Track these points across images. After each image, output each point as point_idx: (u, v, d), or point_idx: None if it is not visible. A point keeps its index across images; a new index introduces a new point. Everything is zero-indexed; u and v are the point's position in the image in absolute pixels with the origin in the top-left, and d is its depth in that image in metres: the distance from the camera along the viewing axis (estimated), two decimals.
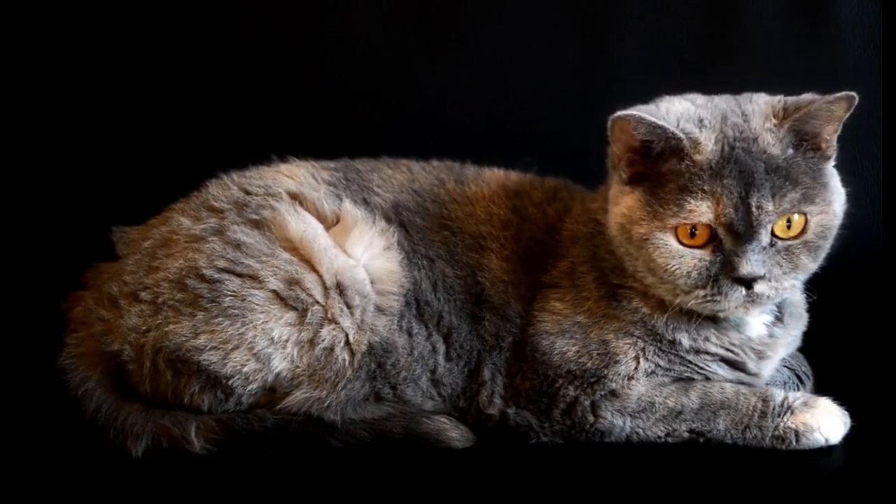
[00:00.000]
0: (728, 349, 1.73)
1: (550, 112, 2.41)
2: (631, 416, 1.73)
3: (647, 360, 1.72)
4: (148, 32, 2.40)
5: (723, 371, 1.74)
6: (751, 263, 1.60)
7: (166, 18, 2.41)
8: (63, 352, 1.80)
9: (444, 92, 2.44)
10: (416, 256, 1.81)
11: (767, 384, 1.78)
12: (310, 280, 1.72)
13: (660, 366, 1.73)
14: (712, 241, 1.62)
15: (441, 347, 1.78)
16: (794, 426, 1.68)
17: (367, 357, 1.75)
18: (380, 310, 1.76)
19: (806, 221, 1.62)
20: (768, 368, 1.78)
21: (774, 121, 1.63)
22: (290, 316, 1.71)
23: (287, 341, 1.71)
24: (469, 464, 1.71)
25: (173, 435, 1.72)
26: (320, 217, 1.80)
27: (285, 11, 2.43)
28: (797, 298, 1.78)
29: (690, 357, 1.73)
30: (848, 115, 1.62)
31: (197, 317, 1.71)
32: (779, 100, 1.67)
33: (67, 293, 1.87)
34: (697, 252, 1.63)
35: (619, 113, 1.61)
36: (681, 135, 1.61)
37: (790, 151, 1.63)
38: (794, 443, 1.68)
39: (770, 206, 1.59)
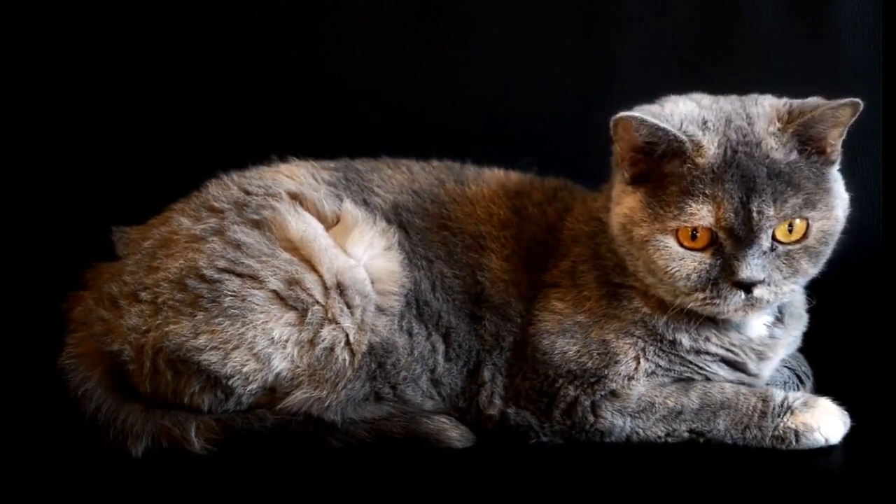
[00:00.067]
0: (728, 350, 1.73)
1: (550, 112, 2.41)
2: (631, 416, 1.73)
3: (647, 360, 1.72)
4: (148, 32, 2.40)
5: (723, 371, 1.74)
6: (750, 268, 1.60)
7: (166, 18, 2.41)
8: (63, 352, 1.80)
9: (444, 92, 2.44)
10: (416, 257, 1.81)
11: (767, 384, 1.79)
12: (310, 280, 1.72)
13: (660, 366, 1.73)
14: (713, 245, 1.62)
15: (440, 347, 1.78)
16: (793, 426, 1.68)
17: (368, 357, 1.75)
18: (380, 310, 1.76)
19: (807, 226, 1.62)
20: (768, 369, 1.78)
21: (779, 124, 1.63)
22: (291, 316, 1.71)
23: (287, 341, 1.71)
24: (469, 464, 1.71)
25: (173, 435, 1.72)
26: (320, 217, 1.80)
27: (285, 11, 2.43)
28: (798, 299, 1.78)
29: (691, 357, 1.73)
30: (853, 120, 1.62)
31: (197, 317, 1.71)
32: (784, 103, 1.67)
33: (67, 293, 1.87)
34: (698, 255, 1.63)
35: (622, 114, 1.61)
36: (683, 137, 1.61)
37: (793, 156, 1.62)
38: (794, 443, 1.68)
39: (771, 212, 1.59)
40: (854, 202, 1.69)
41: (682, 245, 1.63)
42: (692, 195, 1.60)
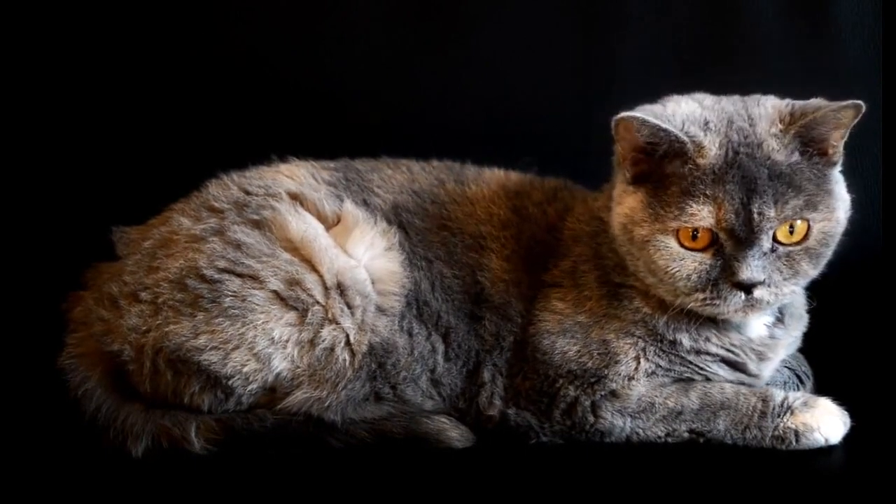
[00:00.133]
0: (729, 350, 1.73)
1: (550, 112, 2.41)
2: (631, 416, 1.73)
3: (647, 360, 1.72)
4: (148, 32, 2.40)
5: (723, 372, 1.74)
6: (751, 269, 1.60)
7: (166, 18, 2.41)
8: (63, 352, 1.80)
9: (444, 92, 2.44)
10: (416, 257, 1.81)
11: (767, 384, 1.79)
12: (310, 280, 1.72)
13: (660, 366, 1.73)
14: (713, 245, 1.62)
15: (440, 347, 1.78)
16: (793, 426, 1.68)
17: (368, 357, 1.75)
18: (381, 310, 1.76)
19: (808, 228, 1.62)
20: (769, 369, 1.78)
21: (780, 126, 1.63)
22: (291, 316, 1.71)
23: (287, 341, 1.71)
24: (469, 464, 1.71)
25: (173, 435, 1.72)
26: (321, 217, 1.80)
27: (285, 11, 2.43)
28: (798, 299, 1.78)
29: (691, 357, 1.73)
30: (855, 122, 1.62)
31: (197, 317, 1.71)
32: (786, 104, 1.67)
33: (67, 293, 1.87)
34: (698, 255, 1.63)
35: (624, 114, 1.61)
36: (685, 138, 1.61)
37: (795, 157, 1.62)
38: (794, 443, 1.68)
39: (772, 213, 1.59)
40: (854, 203, 1.69)
41: (682, 245, 1.63)
42: (693, 196, 1.60)
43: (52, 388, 1.79)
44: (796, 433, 1.68)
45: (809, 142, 1.63)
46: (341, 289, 1.73)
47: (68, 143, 2.41)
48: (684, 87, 1.76)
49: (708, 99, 1.71)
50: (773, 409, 1.70)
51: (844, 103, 1.60)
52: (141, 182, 2.32)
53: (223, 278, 1.71)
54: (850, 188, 1.69)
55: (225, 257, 1.72)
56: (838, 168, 1.67)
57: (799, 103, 1.66)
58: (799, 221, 1.61)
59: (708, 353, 1.73)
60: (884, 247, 2.31)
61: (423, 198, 1.86)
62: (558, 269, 1.79)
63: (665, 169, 1.64)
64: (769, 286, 1.62)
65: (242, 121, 2.40)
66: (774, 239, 1.61)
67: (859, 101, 1.59)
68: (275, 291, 1.71)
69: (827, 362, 1.91)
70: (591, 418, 1.73)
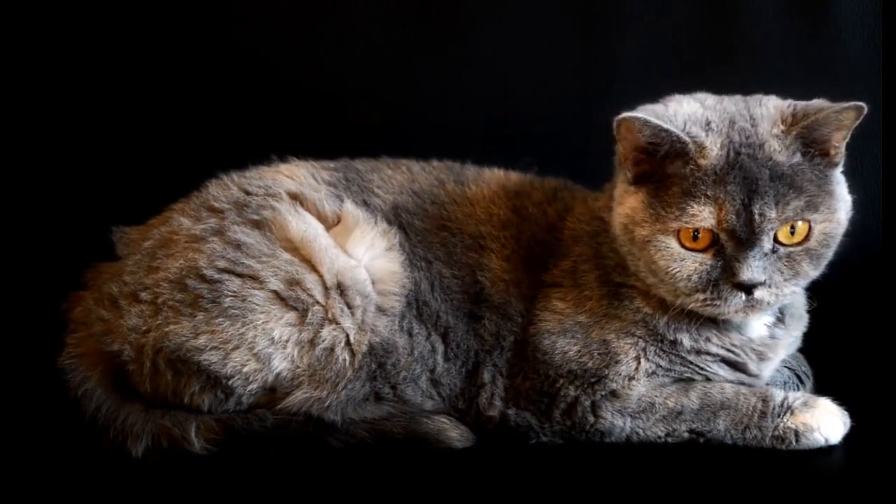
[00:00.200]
0: (729, 350, 1.73)
1: (550, 112, 2.41)
2: (631, 416, 1.73)
3: (647, 360, 1.72)
4: (148, 32, 2.40)
5: (723, 372, 1.74)
6: (751, 270, 1.60)
7: (166, 18, 2.41)
8: (63, 352, 1.80)
9: (444, 92, 2.44)
10: (415, 258, 1.81)
11: (767, 384, 1.79)
12: (310, 280, 1.72)
13: (661, 366, 1.73)
14: (714, 246, 1.62)
15: (440, 347, 1.78)
16: (793, 426, 1.68)
17: (368, 357, 1.75)
18: (381, 310, 1.76)
19: (809, 229, 1.62)
20: (769, 369, 1.78)
21: (782, 127, 1.63)
22: (291, 316, 1.71)
23: (287, 341, 1.71)
24: (469, 464, 1.71)
25: (173, 435, 1.72)
26: (321, 217, 1.80)
27: (285, 11, 2.43)
28: (798, 300, 1.78)
29: (691, 357, 1.73)
30: (857, 124, 1.62)
31: (197, 317, 1.70)
32: (788, 105, 1.66)
33: (67, 293, 1.87)
34: (699, 256, 1.63)
35: (625, 114, 1.61)
36: (686, 139, 1.61)
37: (797, 158, 1.62)
38: (794, 443, 1.68)
39: (773, 214, 1.59)
40: (854, 203, 1.69)
41: (683, 246, 1.63)
42: (694, 196, 1.60)
43: (52, 388, 1.79)
44: (796, 433, 1.68)
45: (811, 143, 1.63)
46: (341, 289, 1.73)
47: (68, 143, 2.41)
48: (684, 87, 1.76)
49: (710, 99, 1.71)
50: (773, 409, 1.70)
51: (846, 105, 1.60)
52: (141, 182, 2.32)
53: (223, 278, 1.71)
54: (851, 188, 1.69)
55: (225, 257, 1.72)
56: (840, 169, 1.67)
57: (801, 104, 1.66)
58: (800, 222, 1.61)
59: (708, 353, 1.73)
60: (884, 247, 2.31)
61: (422, 198, 1.86)
62: (558, 268, 1.79)
63: (666, 169, 1.64)
64: (770, 287, 1.62)
65: (242, 121, 2.40)
66: (775, 240, 1.61)
67: (861, 103, 1.59)
68: (275, 291, 1.71)
69: (827, 362, 1.91)
70: (592, 418, 1.73)
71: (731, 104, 1.68)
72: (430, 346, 1.78)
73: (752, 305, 1.63)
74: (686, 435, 1.73)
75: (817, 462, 1.67)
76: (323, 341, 1.71)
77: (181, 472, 1.69)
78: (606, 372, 1.72)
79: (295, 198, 1.81)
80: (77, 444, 1.75)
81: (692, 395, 1.72)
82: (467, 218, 1.84)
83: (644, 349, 1.72)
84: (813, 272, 1.66)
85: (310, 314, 1.71)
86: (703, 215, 1.60)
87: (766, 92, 1.73)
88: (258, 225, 1.75)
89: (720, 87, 1.75)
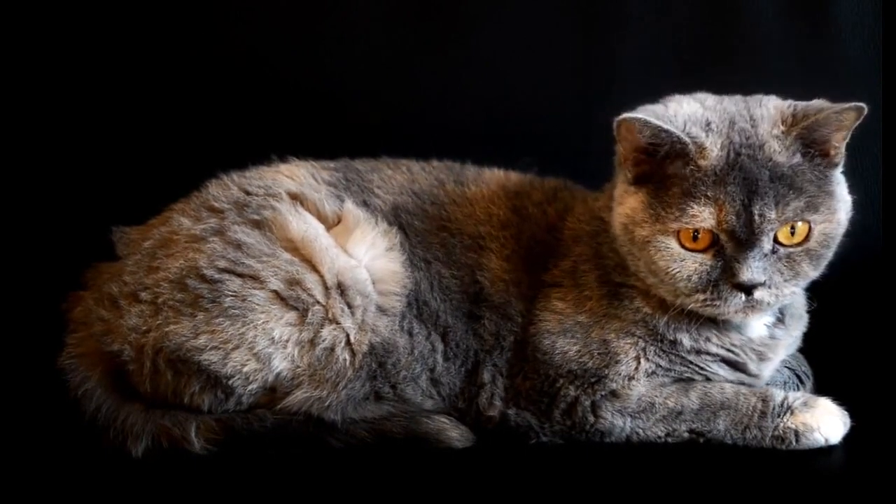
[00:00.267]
0: (729, 350, 1.73)
1: (550, 112, 2.41)
2: (631, 416, 1.73)
3: (647, 360, 1.72)
4: (148, 32, 2.40)
5: (723, 372, 1.74)
6: (751, 270, 1.60)
7: (166, 18, 2.41)
8: (63, 352, 1.80)
9: (444, 92, 2.44)
10: (415, 258, 1.81)
11: (767, 384, 1.79)
12: (311, 280, 1.72)
13: (660, 366, 1.73)
14: (714, 246, 1.62)
15: (440, 347, 1.78)
16: (793, 426, 1.68)
17: (368, 357, 1.75)
18: (381, 310, 1.76)
19: (809, 229, 1.62)
20: (769, 369, 1.78)
21: (782, 127, 1.63)
22: (291, 316, 1.71)
23: (288, 341, 1.71)
24: (469, 464, 1.71)
25: (173, 435, 1.72)
26: (321, 217, 1.80)
27: (285, 11, 2.43)
28: (798, 300, 1.78)
29: (691, 357, 1.73)
30: (857, 124, 1.62)
31: (197, 317, 1.71)
32: (788, 105, 1.66)
33: (67, 293, 1.87)
34: (699, 256, 1.63)
35: (626, 115, 1.61)
36: (686, 139, 1.61)
37: (797, 158, 1.62)
38: (794, 443, 1.68)
39: (773, 215, 1.59)
40: (854, 203, 1.69)
41: (683, 246, 1.63)
42: (694, 197, 1.60)
43: (52, 388, 1.79)
44: (796, 433, 1.68)
45: (811, 143, 1.63)
46: (342, 289, 1.73)
47: (68, 143, 2.41)
48: (684, 87, 1.76)
49: (710, 99, 1.71)
50: (773, 409, 1.70)
51: (847, 105, 1.60)
52: (141, 182, 2.32)
53: (223, 278, 1.71)
54: (851, 188, 1.69)
55: (225, 257, 1.72)
56: (840, 169, 1.67)
57: (801, 104, 1.66)
58: (800, 223, 1.61)
59: (708, 353, 1.73)
60: (884, 247, 2.31)
61: (422, 199, 1.86)
62: (558, 268, 1.79)
63: (666, 170, 1.64)
64: (770, 287, 1.62)
65: (242, 121, 2.40)
66: (775, 240, 1.61)
67: (861, 104, 1.59)
68: (275, 291, 1.71)
69: (827, 362, 1.91)
70: (592, 418, 1.73)
71: (731, 104, 1.68)
72: (430, 345, 1.78)
73: (752, 306, 1.63)
74: (686, 435, 1.73)
75: (817, 462, 1.67)
76: (323, 341, 1.71)
77: (181, 472, 1.69)
78: (606, 372, 1.72)
79: (295, 198, 1.81)
80: (77, 444, 1.75)
81: (692, 395, 1.72)
82: (467, 218, 1.84)
83: (644, 349, 1.72)
84: (813, 273, 1.66)
85: (310, 314, 1.71)
86: (703, 216, 1.60)
87: (766, 92, 1.73)
88: (258, 225, 1.75)
89: (720, 87, 1.75)
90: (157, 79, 2.41)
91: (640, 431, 1.73)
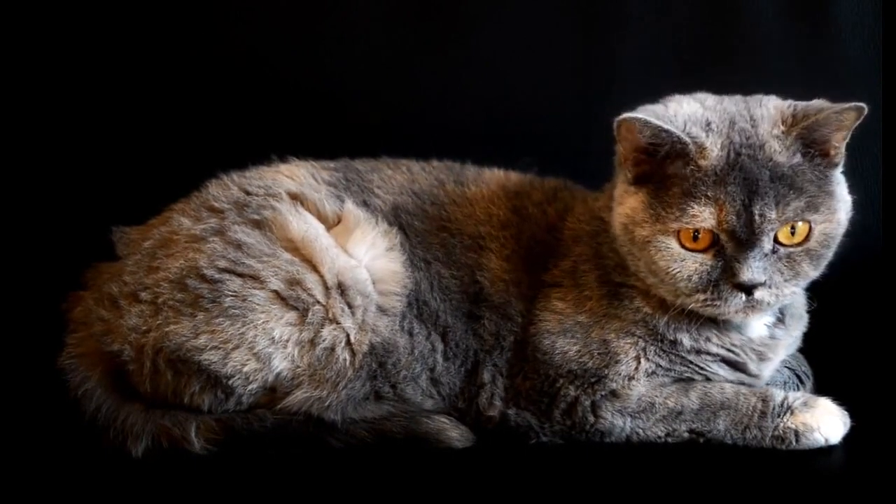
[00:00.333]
0: (729, 350, 1.73)
1: (550, 112, 2.41)
2: (631, 416, 1.73)
3: (647, 360, 1.72)
4: (148, 32, 2.40)
5: (723, 372, 1.74)
6: (751, 270, 1.60)
7: (166, 18, 2.41)
8: (63, 352, 1.80)
9: (444, 92, 2.44)
10: (415, 258, 1.81)
11: (767, 384, 1.79)
12: (311, 280, 1.72)
13: (661, 366, 1.73)
14: (714, 246, 1.62)
15: (440, 346, 1.78)
16: (793, 426, 1.68)
17: (369, 357, 1.75)
18: (382, 310, 1.76)
19: (810, 229, 1.62)
20: (769, 369, 1.78)
21: (783, 127, 1.63)
22: (291, 316, 1.71)
23: (288, 341, 1.71)
24: (469, 464, 1.71)
25: (173, 435, 1.72)
26: (321, 217, 1.80)
27: (285, 11, 2.43)
28: (798, 300, 1.78)
29: (691, 357, 1.73)
30: (857, 124, 1.62)
31: (197, 317, 1.71)
32: (788, 105, 1.66)
33: (67, 293, 1.87)
34: (699, 256, 1.63)
35: (626, 115, 1.61)
36: (686, 139, 1.61)
37: (797, 158, 1.62)
38: (794, 443, 1.68)
39: (773, 215, 1.59)
40: (854, 203, 1.69)
41: (683, 246, 1.63)
42: (694, 197, 1.60)
43: (52, 388, 1.79)
44: (796, 433, 1.68)
45: (811, 143, 1.63)
46: (342, 289, 1.73)
47: (68, 143, 2.41)
48: (684, 87, 1.76)
49: (710, 99, 1.71)
50: (773, 409, 1.70)
51: (847, 105, 1.60)
52: (141, 182, 2.32)
53: (223, 278, 1.71)
54: (851, 188, 1.69)
55: (225, 257, 1.72)
56: (840, 169, 1.67)
57: (801, 104, 1.66)
58: (800, 223, 1.61)
59: (708, 353, 1.73)
60: (884, 247, 2.31)
61: (422, 199, 1.86)
62: (558, 268, 1.79)
63: (667, 170, 1.64)
64: (770, 287, 1.62)
65: (242, 121, 2.40)
66: (775, 240, 1.61)
67: (862, 104, 1.60)
68: (275, 291, 1.71)
69: (827, 362, 1.91)
70: (592, 418, 1.73)
71: (732, 104, 1.68)
72: (430, 345, 1.78)
73: (753, 306, 1.63)
74: (686, 435, 1.73)
75: (817, 462, 1.67)
76: (323, 341, 1.71)
77: (181, 472, 1.69)
78: (606, 372, 1.72)
79: (295, 198, 1.81)
80: (77, 444, 1.75)
81: (692, 395, 1.72)
82: (467, 218, 1.84)
83: (644, 349, 1.72)
84: (813, 272, 1.66)
85: (310, 314, 1.71)
86: (704, 216, 1.60)
87: (766, 92, 1.73)
88: (258, 225, 1.75)
89: (720, 87, 1.75)
90: (158, 79, 2.41)
91: (640, 431, 1.73)
